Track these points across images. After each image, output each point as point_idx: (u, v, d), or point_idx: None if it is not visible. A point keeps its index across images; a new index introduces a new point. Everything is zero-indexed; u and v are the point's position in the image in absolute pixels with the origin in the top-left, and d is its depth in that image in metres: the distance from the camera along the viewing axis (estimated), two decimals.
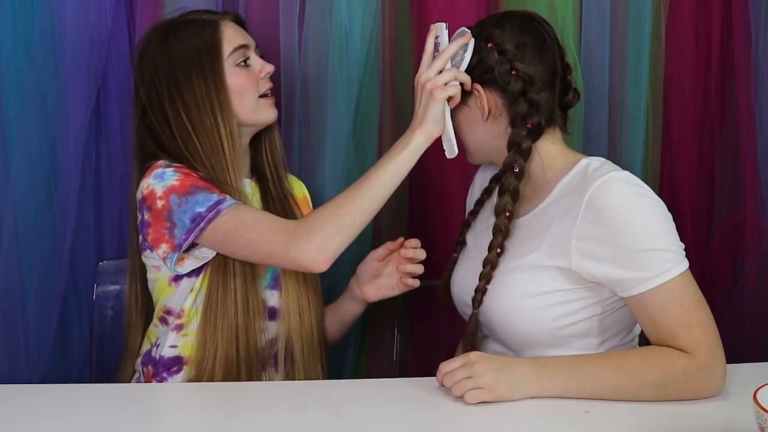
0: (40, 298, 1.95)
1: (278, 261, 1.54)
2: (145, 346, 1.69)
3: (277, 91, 1.82)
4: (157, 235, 1.55)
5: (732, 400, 1.36)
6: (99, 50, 1.91)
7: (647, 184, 1.43)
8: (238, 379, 1.60)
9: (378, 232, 2.02)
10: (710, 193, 2.12)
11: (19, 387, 1.65)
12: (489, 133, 1.52)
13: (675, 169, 2.09)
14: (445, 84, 1.48)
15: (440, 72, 1.49)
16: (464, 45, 1.49)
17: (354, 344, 2.04)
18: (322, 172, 1.97)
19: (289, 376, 1.69)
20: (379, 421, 1.33)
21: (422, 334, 2.08)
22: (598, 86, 2.00)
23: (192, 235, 1.53)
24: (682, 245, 1.40)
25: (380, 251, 1.71)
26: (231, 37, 1.65)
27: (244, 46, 1.66)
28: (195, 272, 1.62)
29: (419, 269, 1.69)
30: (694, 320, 1.36)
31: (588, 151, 1.80)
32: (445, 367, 1.39)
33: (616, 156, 2.03)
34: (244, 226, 1.53)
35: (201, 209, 1.53)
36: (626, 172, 1.42)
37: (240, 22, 1.73)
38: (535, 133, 1.48)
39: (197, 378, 1.60)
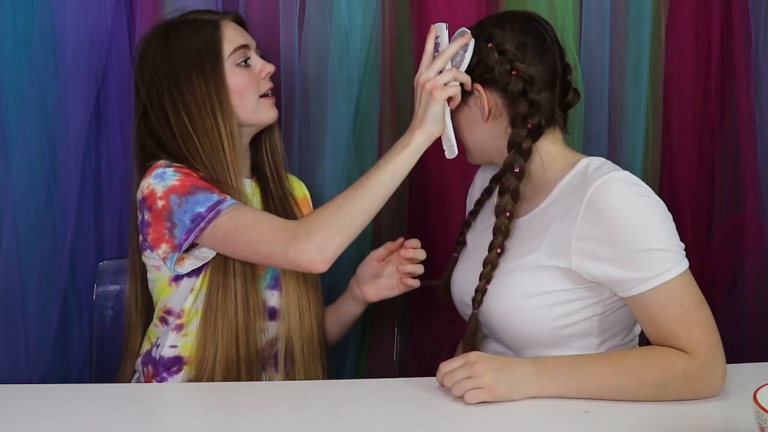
0: (40, 298, 1.95)
1: (278, 261, 1.54)
2: (145, 346, 1.69)
3: (277, 91, 1.82)
4: (157, 235, 1.55)
5: (732, 400, 1.36)
6: (99, 50, 1.91)
7: (647, 184, 1.43)
8: (238, 379, 1.60)
9: (378, 232, 2.02)
10: (710, 193, 2.12)
11: (19, 387, 1.65)
12: (489, 133, 1.52)
13: (675, 169, 2.09)
14: (445, 84, 1.48)
15: (440, 72, 1.49)
16: (464, 45, 1.49)
17: (354, 344, 2.04)
18: (322, 172, 1.97)
19: (289, 376, 1.69)
20: (379, 421, 1.33)
21: (422, 334, 2.08)
22: (598, 86, 2.00)
23: (192, 235, 1.53)
24: (682, 245, 1.40)
25: (380, 251, 1.71)
26: (232, 37, 1.65)
27: (245, 46, 1.66)
28: (195, 272, 1.62)
29: (419, 269, 1.69)
30: (694, 320, 1.36)
31: (588, 151, 1.80)
32: (445, 367, 1.39)
33: (616, 156, 2.03)
34: (244, 226, 1.53)
35: (201, 209, 1.53)
36: (626, 172, 1.42)
37: (241, 22, 1.73)
38: (536, 133, 1.48)
39: (197, 378, 1.60)
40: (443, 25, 1.52)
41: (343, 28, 1.93)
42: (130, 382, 1.70)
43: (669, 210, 1.42)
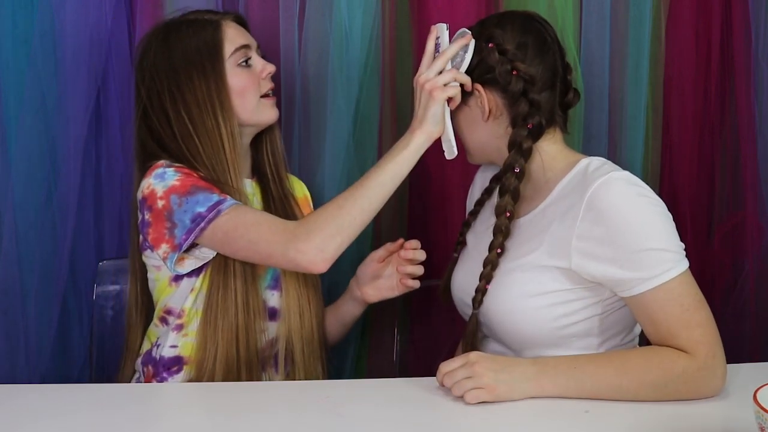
0: (40, 298, 1.95)
1: (278, 261, 1.54)
2: (146, 346, 1.69)
3: (278, 91, 1.82)
4: (158, 235, 1.55)
5: (732, 400, 1.36)
6: (99, 50, 1.91)
7: (647, 184, 1.43)
8: (238, 379, 1.60)
9: (378, 233, 2.02)
10: (710, 193, 2.12)
11: (19, 387, 1.65)
12: (489, 133, 1.52)
13: (675, 169, 2.09)
14: (445, 85, 1.48)
15: (440, 73, 1.49)
16: (465, 46, 1.49)
17: (354, 344, 2.04)
18: (322, 172, 1.97)
19: (290, 376, 1.69)
20: (379, 421, 1.33)
21: (422, 334, 2.08)
22: (598, 86, 2.00)
23: (192, 235, 1.53)
24: (682, 245, 1.40)
25: (380, 252, 1.71)
26: (232, 37, 1.65)
27: (246, 47, 1.66)
28: (195, 272, 1.62)
29: (419, 270, 1.69)
30: (694, 320, 1.36)
31: (588, 151, 1.80)
32: (445, 367, 1.39)
33: (616, 156, 2.03)
34: (245, 226, 1.53)
35: (201, 209, 1.53)
36: (626, 172, 1.42)
37: (242, 22, 1.72)
38: (536, 134, 1.48)
39: (197, 378, 1.60)
40: (444, 26, 1.52)
41: (343, 28, 1.93)
42: (130, 382, 1.70)
43: (669, 210, 1.42)
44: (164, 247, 1.55)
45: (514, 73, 1.47)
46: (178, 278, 1.62)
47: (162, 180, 1.56)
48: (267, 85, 1.68)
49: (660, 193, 1.54)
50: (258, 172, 1.75)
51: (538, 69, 1.47)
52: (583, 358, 1.40)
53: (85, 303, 1.97)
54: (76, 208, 1.93)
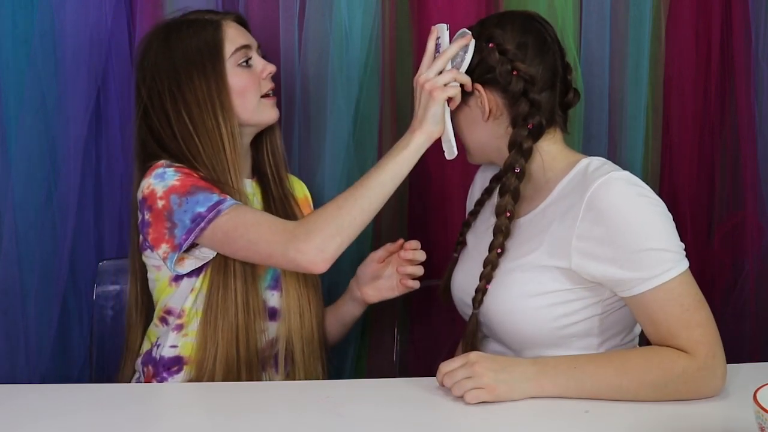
0: (40, 298, 1.95)
1: (278, 261, 1.54)
2: (146, 346, 1.69)
3: (278, 91, 1.82)
4: (158, 235, 1.55)
5: (732, 400, 1.36)
6: (99, 50, 1.91)
7: (647, 184, 1.43)
8: (238, 379, 1.60)
9: (378, 233, 2.02)
10: (710, 193, 2.12)
11: (19, 387, 1.65)
12: (489, 133, 1.52)
13: (675, 169, 2.09)
14: (445, 85, 1.48)
15: (440, 73, 1.49)
16: (465, 46, 1.49)
17: (354, 345, 2.04)
18: (322, 172, 1.97)
19: (290, 376, 1.69)
20: (379, 421, 1.33)
21: (422, 334, 2.08)
22: (598, 86, 2.00)
23: (192, 235, 1.53)
24: (682, 245, 1.40)
25: (380, 253, 1.71)
26: (233, 37, 1.65)
27: (246, 47, 1.66)
28: (195, 272, 1.62)
29: (419, 271, 1.69)
30: (694, 320, 1.36)
31: (588, 151, 1.80)
32: (445, 367, 1.39)
33: (616, 156, 2.03)
34: (244, 226, 1.53)
35: (201, 209, 1.53)
36: (626, 172, 1.42)
37: (242, 23, 1.73)
38: (536, 134, 1.48)
39: (197, 378, 1.60)
40: (444, 26, 1.52)
41: (343, 28, 1.93)
42: (130, 382, 1.70)
43: (669, 210, 1.42)
44: (164, 247, 1.55)
45: (514, 73, 1.47)
46: (178, 278, 1.62)
47: (162, 180, 1.56)
48: (267, 85, 1.68)
49: (660, 193, 1.54)
50: (258, 172, 1.75)
51: (538, 69, 1.47)
52: (583, 358, 1.40)
53: (85, 303, 1.97)
54: (76, 208, 1.93)
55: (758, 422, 1.08)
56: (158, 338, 1.67)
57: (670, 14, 2.04)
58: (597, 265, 1.39)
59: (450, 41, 1.51)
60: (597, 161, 1.46)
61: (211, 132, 1.61)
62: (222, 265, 1.60)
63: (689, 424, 1.29)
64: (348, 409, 1.39)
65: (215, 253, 1.59)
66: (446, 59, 1.49)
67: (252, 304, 1.61)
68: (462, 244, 1.65)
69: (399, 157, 1.50)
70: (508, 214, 1.47)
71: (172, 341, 1.63)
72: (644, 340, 1.45)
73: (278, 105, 1.73)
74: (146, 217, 1.57)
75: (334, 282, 1.90)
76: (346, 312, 1.78)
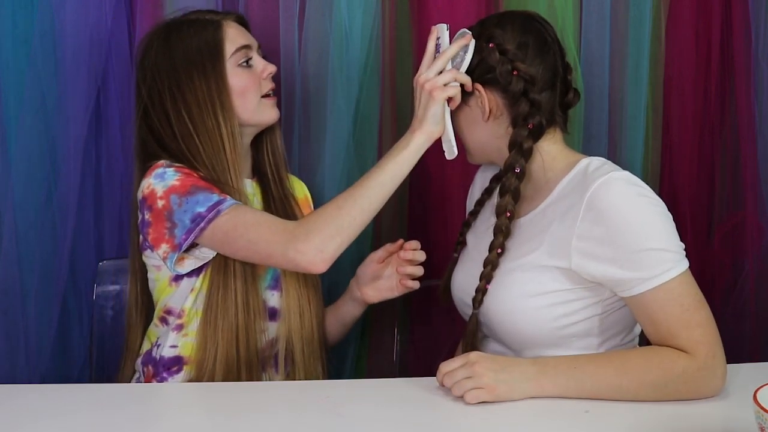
0: (40, 298, 1.95)
1: (277, 261, 1.54)
2: (146, 346, 1.69)
3: (278, 91, 1.82)
4: (158, 235, 1.55)
5: (732, 400, 1.36)
6: (99, 50, 1.91)
7: (647, 184, 1.43)
8: (238, 379, 1.60)
9: (378, 233, 2.02)
10: (710, 193, 2.12)
11: (19, 387, 1.65)
12: (490, 133, 1.52)
13: (675, 169, 2.09)
14: (445, 85, 1.48)
15: (440, 73, 1.49)
16: (465, 46, 1.49)
17: (354, 345, 2.04)
18: (322, 172, 1.97)
19: (290, 376, 1.69)
20: (379, 421, 1.33)
21: (422, 334, 2.07)
22: (598, 86, 2.00)
23: (192, 235, 1.53)
24: (682, 245, 1.40)
25: (379, 253, 1.71)
26: (233, 37, 1.65)
27: (247, 47, 1.66)
28: (195, 272, 1.62)
29: (419, 271, 1.69)
30: (694, 320, 1.36)
31: (588, 151, 1.80)
32: (445, 367, 1.39)
33: (616, 156, 2.03)
34: (244, 226, 1.53)
35: (201, 209, 1.53)
36: (626, 172, 1.42)
37: (243, 23, 1.73)
38: (537, 134, 1.48)
39: (197, 378, 1.60)
40: (444, 26, 1.52)
41: (343, 28, 1.93)
42: (130, 382, 1.70)
43: (669, 210, 1.42)
44: (164, 247, 1.55)
45: (514, 73, 1.47)
46: (178, 278, 1.62)
47: (162, 180, 1.56)
48: (268, 86, 1.68)
49: (660, 193, 1.54)
50: (258, 172, 1.75)
51: (538, 69, 1.47)
52: (583, 358, 1.40)
53: (85, 303, 1.97)
54: (76, 208, 1.93)
55: (758, 422, 1.08)
56: (158, 338, 1.67)
57: (670, 14, 2.04)
58: (597, 265, 1.39)
59: (450, 41, 1.51)
60: (597, 161, 1.46)
61: (211, 132, 1.61)
62: (222, 265, 1.60)
63: (689, 424, 1.29)
64: (348, 409, 1.39)
65: (215, 253, 1.59)
66: (446, 59, 1.49)
67: (252, 304, 1.61)
68: (462, 244, 1.65)
69: (399, 157, 1.50)
70: (509, 214, 1.47)
71: (172, 341, 1.63)
72: (644, 340, 1.45)
73: (278, 105, 1.73)
74: (146, 217, 1.57)
75: (334, 282, 1.90)
76: (346, 312, 1.78)
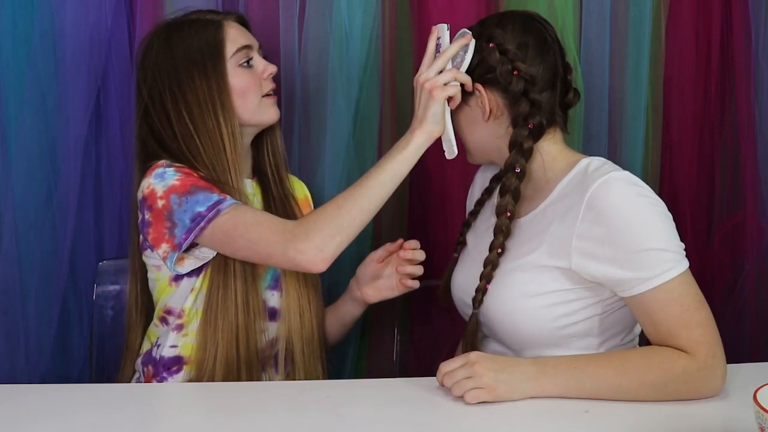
0: (40, 298, 1.95)
1: (277, 261, 1.54)
2: (146, 346, 1.69)
3: (278, 91, 1.82)
4: (158, 235, 1.55)
5: (732, 400, 1.36)
6: (99, 50, 1.91)
7: (647, 184, 1.43)
8: (238, 379, 1.60)
9: (378, 233, 2.02)
10: (710, 193, 2.12)
11: (19, 387, 1.65)
12: (490, 133, 1.52)
13: (675, 169, 2.09)
14: (445, 84, 1.48)
15: (440, 72, 1.49)
16: (465, 46, 1.49)
17: (354, 345, 2.04)
18: (322, 172, 1.97)
19: (290, 376, 1.69)
20: (379, 421, 1.33)
21: (422, 334, 2.07)
22: (598, 86, 2.00)
23: (192, 234, 1.53)
24: (682, 245, 1.40)
25: (379, 253, 1.71)
26: (234, 37, 1.65)
27: (248, 47, 1.66)
28: (195, 272, 1.62)
29: (419, 270, 1.69)
30: (694, 320, 1.36)
31: (588, 151, 1.80)
32: (445, 367, 1.39)
33: (616, 156, 2.03)
34: (244, 225, 1.53)
35: (201, 209, 1.53)
36: (626, 172, 1.42)
37: (243, 23, 1.73)
38: (537, 134, 1.48)
39: (197, 378, 1.60)
40: (445, 26, 1.52)
41: (343, 28, 1.93)
42: (130, 382, 1.70)
43: (669, 210, 1.42)
44: (164, 247, 1.55)
45: (514, 73, 1.47)
46: (178, 278, 1.62)
47: (162, 180, 1.56)
48: (268, 86, 1.68)
49: (660, 193, 1.54)
50: (258, 172, 1.75)
51: (538, 69, 1.47)
52: (583, 358, 1.40)
53: (85, 303, 1.97)
54: (76, 208, 1.93)
55: (758, 422, 1.08)
56: (158, 338, 1.67)
57: (670, 14, 2.04)
58: (597, 265, 1.39)
59: (450, 41, 1.51)
60: (597, 161, 1.46)
61: (211, 132, 1.61)
62: (222, 265, 1.60)
63: (689, 424, 1.29)
64: (348, 409, 1.39)
65: (215, 253, 1.59)
66: (446, 59, 1.49)
67: (252, 304, 1.61)
68: (462, 244, 1.65)
69: (399, 156, 1.50)
70: (509, 214, 1.47)
71: (172, 341, 1.63)
72: (644, 340, 1.45)
73: (278, 105, 1.73)
74: (146, 216, 1.57)
75: (334, 282, 1.90)
76: (346, 312, 1.78)
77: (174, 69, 1.62)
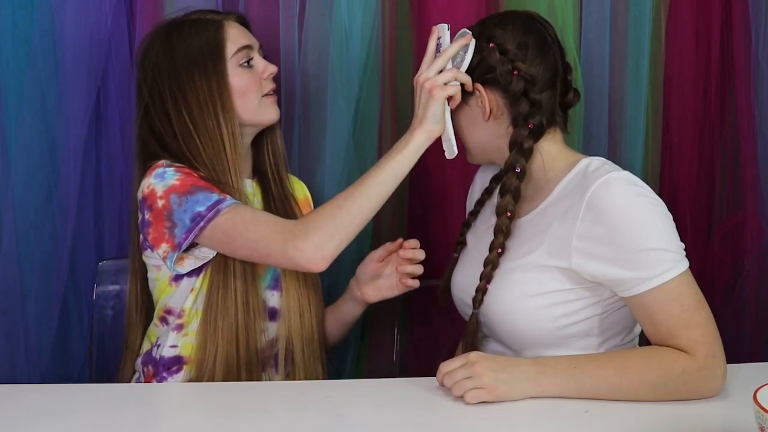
0: (40, 298, 1.95)
1: (277, 260, 1.54)
2: (146, 346, 1.69)
3: (278, 91, 1.81)
4: (158, 235, 1.55)
5: (732, 400, 1.36)
6: (99, 50, 1.91)
7: (647, 184, 1.43)
8: (238, 379, 1.60)
9: (378, 232, 2.02)
10: (710, 193, 2.12)
11: (19, 387, 1.65)
12: (490, 133, 1.52)
13: (675, 169, 2.09)
14: (445, 84, 1.48)
15: (440, 72, 1.49)
16: (465, 45, 1.49)
17: (354, 345, 2.04)
18: (322, 172, 1.97)
19: (290, 376, 1.69)
20: (379, 421, 1.33)
21: (422, 334, 2.07)
22: (598, 86, 2.00)
23: (192, 234, 1.53)
24: (683, 245, 1.40)
25: (379, 252, 1.71)
26: (235, 37, 1.65)
27: (248, 47, 1.66)
28: (195, 272, 1.62)
29: (419, 270, 1.69)
30: (694, 320, 1.36)
31: (588, 151, 1.80)
32: (445, 367, 1.39)
33: (616, 156, 2.03)
34: (244, 225, 1.53)
35: (201, 208, 1.53)
36: (626, 172, 1.42)
37: (244, 23, 1.73)
38: (537, 133, 1.48)
39: (197, 378, 1.60)
40: (445, 26, 1.52)
41: (343, 28, 1.93)
42: (130, 382, 1.70)
43: (669, 210, 1.42)
44: (164, 247, 1.55)
45: (515, 73, 1.47)
46: (178, 278, 1.62)
47: (162, 179, 1.56)
48: (268, 86, 1.68)
49: (660, 193, 1.54)
50: (258, 172, 1.75)
51: (538, 69, 1.48)
52: (583, 358, 1.40)
53: (85, 303, 1.97)
54: (76, 208, 1.93)
55: (758, 422, 1.08)
56: (158, 338, 1.67)
57: (670, 14, 2.04)
58: (597, 265, 1.39)
59: (451, 41, 1.51)
60: (597, 161, 1.46)
61: (211, 132, 1.61)
62: (222, 265, 1.60)
63: (689, 424, 1.29)
64: (348, 409, 1.39)
65: (215, 253, 1.59)
66: (446, 58, 1.49)
67: (252, 304, 1.61)
68: (462, 244, 1.65)
69: (399, 156, 1.50)
70: (509, 214, 1.47)
71: (172, 341, 1.63)
72: (644, 340, 1.45)
73: (278, 105, 1.73)
74: (146, 216, 1.57)
75: (334, 282, 1.90)
76: (346, 312, 1.78)
77: (174, 69, 1.62)
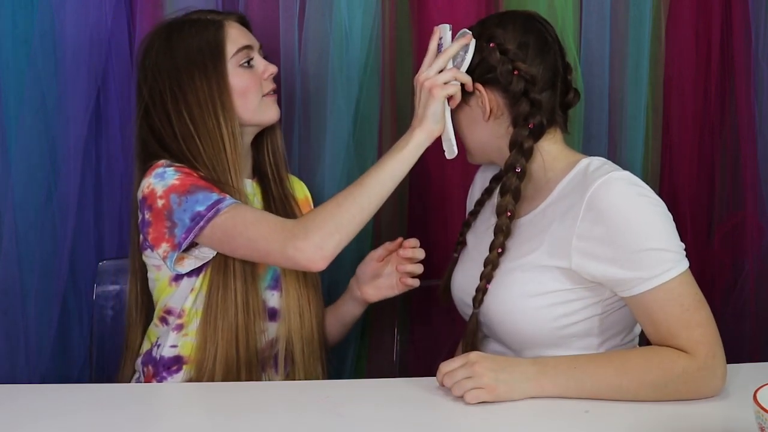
0: (40, 298, 1.95)
1: (277, 260, 1.54)
2: (146, 346, 1.69)
3: (278, 91, 1.81)
4: (158, 235, 1.55)
5: (732, 400, 1.36)
6: (99, 50, 1.91)
7: (647, 184, 1.43)
8: (238, 379, 1.60)
9: (378, 232, 2.02)
10: (710, 193, 2.12)
11: (19, 387, 1.65)
12: (490, 133, 1.52)
13: (675, 169, 2.09)
14: (445, 83, 1.48)
15: (441, 71, 1.49)
16: (465, 45, 1.49)
17: (354, 345, 2.04)
18: (322, 172, 1.97)
19: (289, 376, 1.69)
20: (379, 421, 1.33)
21: (422, 334, 2.08)
22: (598, 86, 2.00)
23: (192, 234, 1.53)
24: (683, 245, 1.40)
25: (379, 251, 1.71)
26: (235, 37, 1.65)
27: (248, 47, 1.66)
28: (195, 272, 1.62)
29: (419, 269, 1.69)
30: (694, 320, 1.36)
31: (588, 151, 1.80)
32: (445, 367, 1.39)
33: (616, 156, 2.03)
34: (244, 224, 1.53)
35: (201, 208, 1.53)
36: (627, 172, 1.42)
37: (244, 23, 1.73)
38: (537, 133, 1.48)
39: (197, 378, 1.60)
40: (447, 27, 1.52)
41: (343, 28, 1.93)
42: (130, 382, 1.70)
43: (669, 210, 1.42)
44: (164, 247, 1.55)
45: (515, 72, 1.47)
46: (178, 278, 1.62)
47: (162, 179, 1.56)
48: (269, 86, 1.68)
49: (660, 193, 1.54)
50: (258, 172, 1.76)
51: (539, 69, 1.48)
52: (583, 358, 1.40)
53: (85, 303, 1.97)
54: (76, 208, 1.93)
55: (758, 422, 1.08)
56: (158, 338, 1.67)
57: (670, 14, 2.04)
58: (597, 265, 1.39)
59: (452, 42, 1.51)
60: (597, 161, 1.46)
61: (212, 132, 1.61)
62: (222, 265, 1.60)
63: (689, 424, 1.29)
64: (348, 409, 1.39)
65: (215, 253, 1.59)
66: (447, 58, 1.49)
67: (252, 304, 1.61)
68: (462, 244, 1.65)
69: (399, 155, 1.50)
70: (509, 214, 1.47)
71: (172, 341, 1.63)
72: (644, 340, 1.45)
73: (278, 105, 1.73)
74: (146, 216, 1.57)
75: (334, 281, 1.90)
76: (346, 312, 1.78)
77: (174, 69, 1.62)
